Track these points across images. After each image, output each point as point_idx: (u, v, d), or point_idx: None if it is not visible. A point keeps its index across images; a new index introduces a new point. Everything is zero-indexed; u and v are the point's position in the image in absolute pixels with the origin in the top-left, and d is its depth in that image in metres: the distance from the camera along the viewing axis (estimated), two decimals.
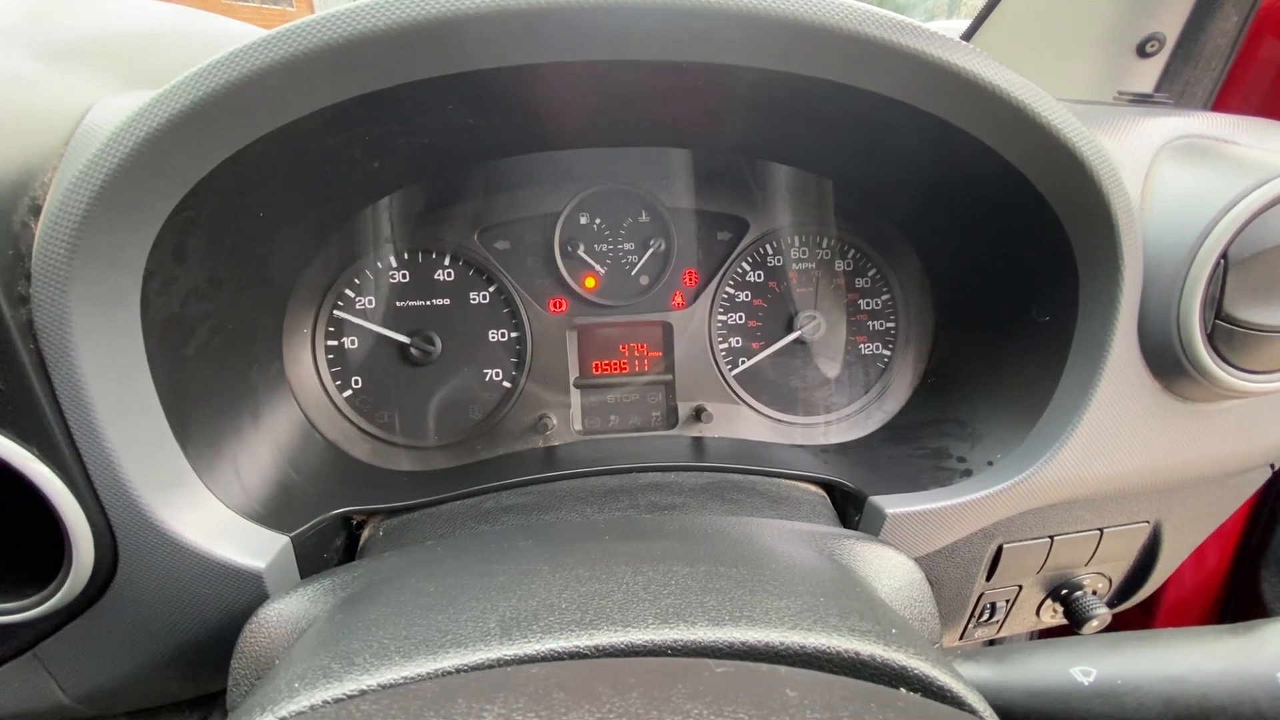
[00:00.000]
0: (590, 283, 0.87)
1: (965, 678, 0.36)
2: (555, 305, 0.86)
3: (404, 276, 0.83)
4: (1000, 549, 0.77)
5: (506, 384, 0.85)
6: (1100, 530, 0.78)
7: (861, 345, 0.90)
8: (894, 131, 0.62)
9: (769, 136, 0.75)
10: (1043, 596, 0.85)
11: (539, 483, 0.72)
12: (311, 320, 0.80)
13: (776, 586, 0.41)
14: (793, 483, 0.74)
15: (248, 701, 0.35)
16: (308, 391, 0.80)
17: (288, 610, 0.49)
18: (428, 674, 0.33)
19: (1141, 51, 1.03)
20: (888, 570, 0.54)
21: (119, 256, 0.49)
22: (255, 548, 0.56)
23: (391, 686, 0.32)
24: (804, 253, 0.89)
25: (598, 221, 0.87)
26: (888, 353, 0.90)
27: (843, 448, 0.87)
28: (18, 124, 0.51)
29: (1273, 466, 0.80)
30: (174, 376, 0.55)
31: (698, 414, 0.86)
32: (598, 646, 0.34)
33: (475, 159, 0.79)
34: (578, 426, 0.87)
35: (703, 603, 0.38)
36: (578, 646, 0.34)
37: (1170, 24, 1.00)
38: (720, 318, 0.89)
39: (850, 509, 0.71)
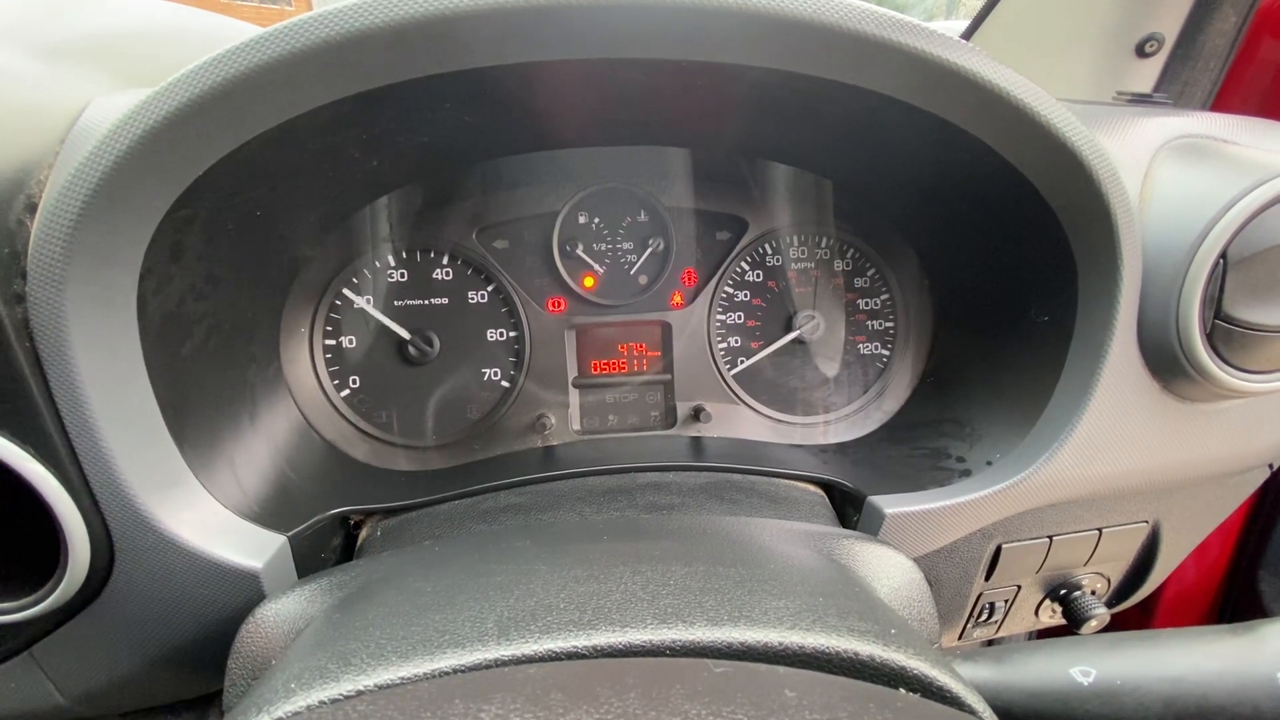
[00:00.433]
0: (589, 282, 0.87)
1: (964, 678, 0.36)
2: (554, 305, 0.86)
3: (402, 276, 0.83)
4: (999, 549, 0.77)
5: (505, 383, 0.85)
6: (1099, 530, 0.78)
7: (860, 345, 0.90)
8: (893, 131, 0.62)
9: (768, 136, 0.75)
10: (1041, 596, 0.85)
11: (537, 482, 0.72)
12: (309, 319, 0.80)
13: (775, 586, 0.41)
14: (791, 483, 0.74)
15: (244, 702, 0.35)
16: (305, 391, 0.80)
17: (285, 610, 0.49)
18: (425, 674, 0.33)
19: (1140, 51, 1.03)
20: (886, 570, 0.54)
21: (115, 255, 0.49)
22: (252, 547, 0.56)
23: (388, 687, 0.32)
24: (803, 252, 0.89)
25: (596, 221, 0.86)
26: (886, 352, 0.90)
27: (841, 447, 0.86)
28: (14, 121, 0.51)
29: (1271, 466, 0.80)
30: (171, 376, 0.55)
31: (696, 414, 0.86)
32: (596, 647, 0.34)
33: (474, 158, 0.79)
34: (576, 426, 0.87)
35: (701, 603, 0.38)
36: (576, 647, 0.34)
37: (1169, 24, 1.00)
38: (719, 317, 0.89)
39: (849, 509, 0.71)
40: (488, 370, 0.85)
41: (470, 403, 0.85)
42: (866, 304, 0.90)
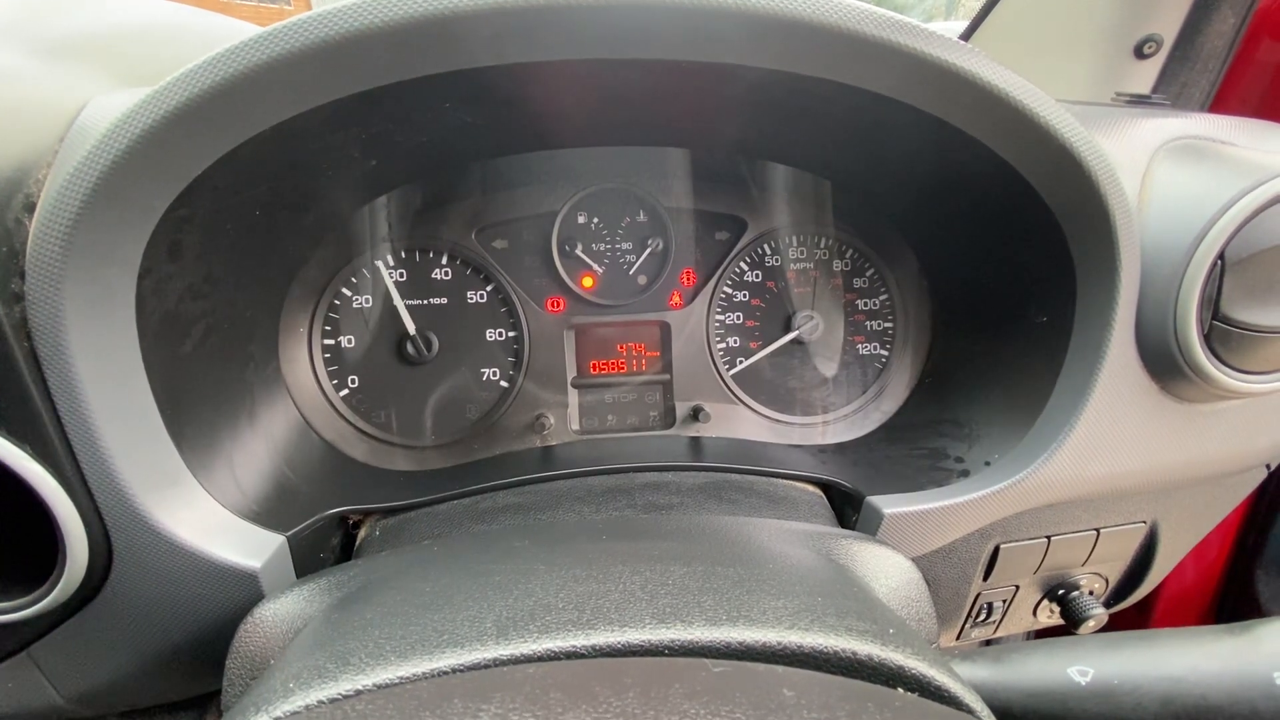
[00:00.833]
0: (588, 282, 0.87)
1: (962, 677, 0.36)
2: (553, 305, 0.86)
3: (401, 275, 0.82)
4: (997, 549, 0.77)
5: (504, 383, 0.85)
6: (1097, 530, 0.78)
7: (859, 345, 0.90)
8: (892, 132, 0.62)
9: (767, 136, 0.75)
10: (1039, 596, 0.85)
11: (536, 482, 0.72)
12: (308, 319, 0.80)
13: (774, 586, 0.41)
14: (790, 483, 0.74)
15: (242, 701, 0.35)
16: (304, 391, 0.79)
17: (283, 610, 0.49)
18: (424, 674, 0.33)
19: (1139, 53, 1.03)
20: (885, 570, 0.54)
21: (114, 254, 0.48)
22: (251, 547, 0.56)
23: (387, 686, 0.32)
24: (802, 253, 0.89)
25: (595, 221, 0.86)
26: (885, 353, 0.90)
27: (840, 448, 0.87)
28: (12, 120, 0.51)
29: (1269, 467, 0.81)
30: (169, 375, 0.55)
31: (695, 414, 0.86)
32: (595, 646, 0.34)
33: (473, 157, 0.79)
34: (575, 426, 0.87)
35: (700, 602, 0.38)
36: (575, 646, 0.34)
37: (1168, 25, 1.00)
38: (718, 317, 0.89)
39: (848, 509, 0.71)
40: (487, 370, 0.85)
41: (469, 402, 0.85)
42: (865, 304, 0.90)
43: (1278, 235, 0.58)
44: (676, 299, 0.88)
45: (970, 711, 0.34)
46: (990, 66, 0.51)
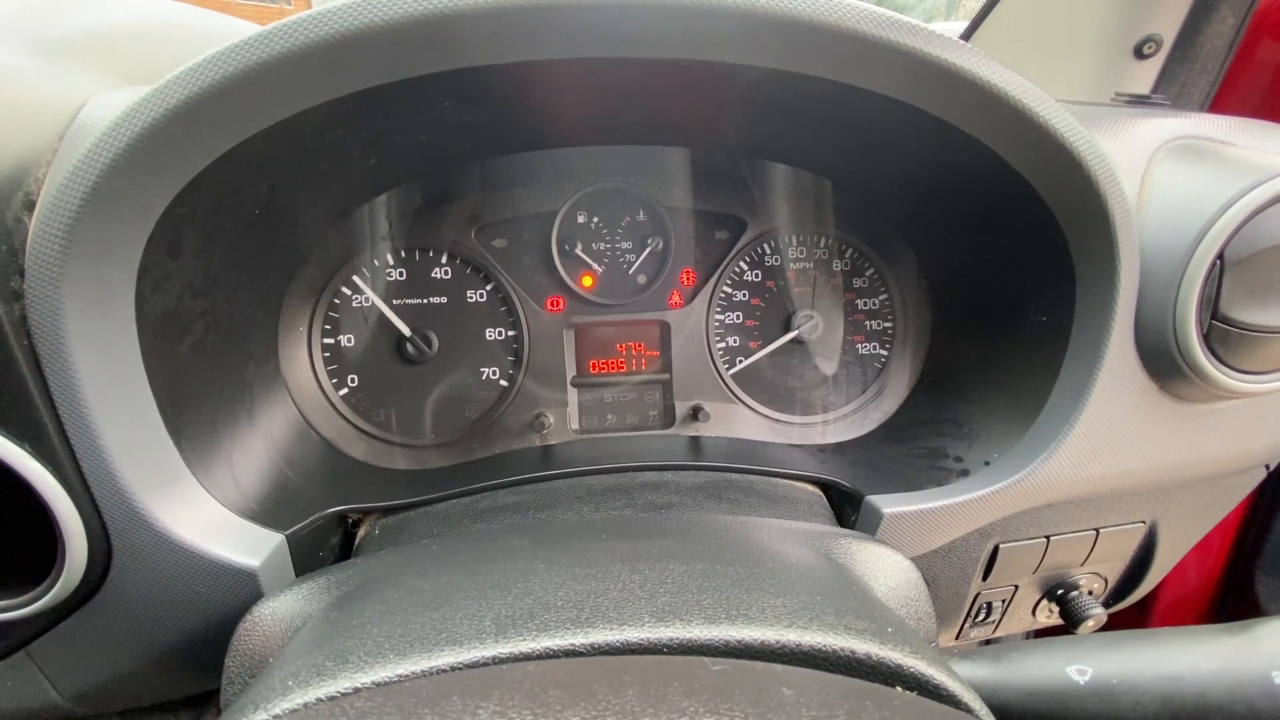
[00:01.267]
0: (588, 281, 0.87)
1: (961, 676, 0.36)
2: (552, 304, 0.86)
3: (401, 274, 0.82)
4: (996, 549, 0.77)
5: (503, 382, 0.85)
6: (1096, 530, 0.78)
7: (859, 345, 0.90)
8: (892, 131, 0.62)
9: (767, 136, 0.75)
10: (1039, 596, 0.85)
11: (535, 481, 0.72)
12: (308, 318, 0.80)
13: (773, 585, 0.41)
14: (790, 482, 0.74)
15: (241, 700, 0.35)
16: (303, 389, 0.79)
17: (282, 608, 0.49)
18: (422, 672, 0.33)
19: (1139, 53, 1.03)
20: (884, 569, 0.54)
21: (113, 252, 0.48)
22: (250, 546, 0.56)
23: (386, 684, 0.32)
24: (802, 252, 0.89)
25: (595, 220, 0.86)
26: (885, 352, 0.90)
27: (840, 447, 0.87)
28: (12, 119, 0.51)
29: (1268, 467, 0.81)
30: (169, 373, 0.55)
31: (695, 413, 0.86)
32: (593, 645, 0.34)
33: (472, 156, 0.79)
34: (575, 425, 0.87)
35: (699, 601, 0.38)
36: (573, 644, 0.34)
37: (1167, 26, 1.00)
38: (718, 317, 0.89)
39: (847, 508, 0.71)
40: (486, 369, 0.85)
41: (469, 402, 0.85)
42: (865, 304, 0.90)
43: (1277, 235, 0.58)
44: (676, 298, 0.88)
45: (969, 710, 0.34)
46: (990, 66, 0.51)
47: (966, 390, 0.80)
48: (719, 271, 0.88)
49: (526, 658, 0.34)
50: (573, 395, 0.87)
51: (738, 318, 0.89)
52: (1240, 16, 0.97)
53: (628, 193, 0.86)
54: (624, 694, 0.27)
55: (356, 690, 0.32)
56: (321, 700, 0.32)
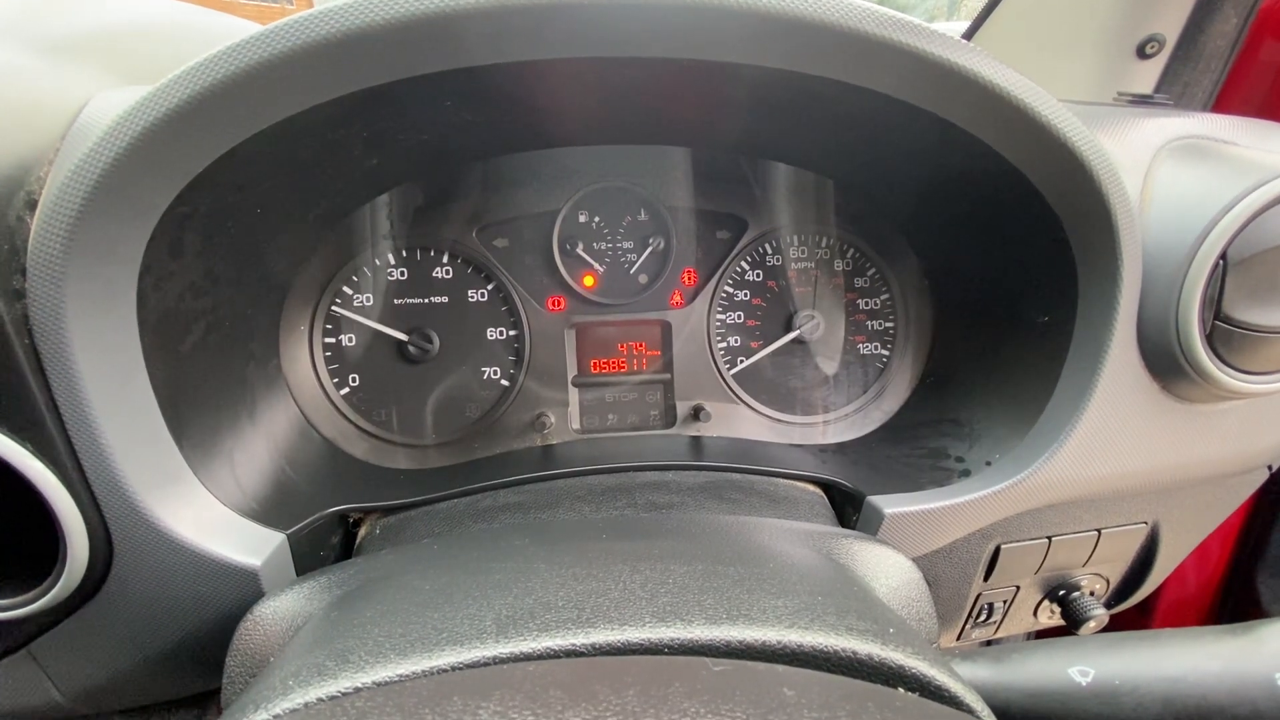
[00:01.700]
0: (589, 281, 0.86)
1: (963, 677, 0.36)
2: (554, 303, 0.86)
3: (402, 274, 0.82)
4: (998, 549, 0.76)
5: (504, 382, 0.85)
6: (1098, 531, 0.78)
7: (860, 345, 0.90)
8: (894, 131, 0.62)
9: (769, 135, 0.75)
10: (1040, 597, 0.85)
11: (536, 481, 0.72)
12: (309, 317, 0.80)
13: (774, 585, 0.41)
14: (791, 482, 0.74)
15: (242, 699, 0.35)
16: (305, 389, 0.79)
17: (283, 608, 0.49)
18: (423, 671, 0.33)
19: (1141, 53, 1.03)
20: (885, 570, 0.54)
21: (115, 251, 0.48)
22: (251, 545, 0.56)
23: (386, 684, 0.32)
24: (803, 252, 0.89)
25: (597, 220, 0.86)
26: (886, 352, 0.90)
27: (841, 447, 0.86)
28: (14, 118, 0.51)
29: (1271, 468, 0.80)
30: (170, 373, 0.55)
31: (696, 413, 0.86)
32: (594, 645, 0.34)
33: (474, 156, 0.79)
34: (576, 425, 0.87)
35: (700, 601, 0.38)
36: (574, 645, 0.34)
37: (1170, 25, 1.00)
38: (719, 317, 0.89)
39: (848, 509, 0.71)
40: (487, 369, 0.85)
41: (470, 401, 0.85)
42: (866, 304, 0.90)
43: None
44: (677, 298, 0.88)
45: (971, 711, 0.34)
46: (992, 65, 0.51)
47: (968, 390, 0.79)
48: (720, 271, 0.88)
49: (527, 658, 0.34)
50: (574, 395, 0.87)
51: (739, 317, 0.89)
52: (1243, 16, 0.96)
53: (629, 192, 0.86)
54: (625, 694, 0.27)
55: (357, 690, 0.32)
56: (322, 700, 0.31)
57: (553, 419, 0.84)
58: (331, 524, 0.67)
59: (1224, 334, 0.59)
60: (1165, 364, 0.62)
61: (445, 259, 0.83)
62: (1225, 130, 0.67)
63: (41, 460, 0.49)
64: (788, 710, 0.27)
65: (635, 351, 0.88)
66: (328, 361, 0.81)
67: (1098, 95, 1.07)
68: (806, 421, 0.89)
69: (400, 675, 0.33)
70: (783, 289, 0.89)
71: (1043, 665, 0.43)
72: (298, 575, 0.59)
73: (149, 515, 0.51)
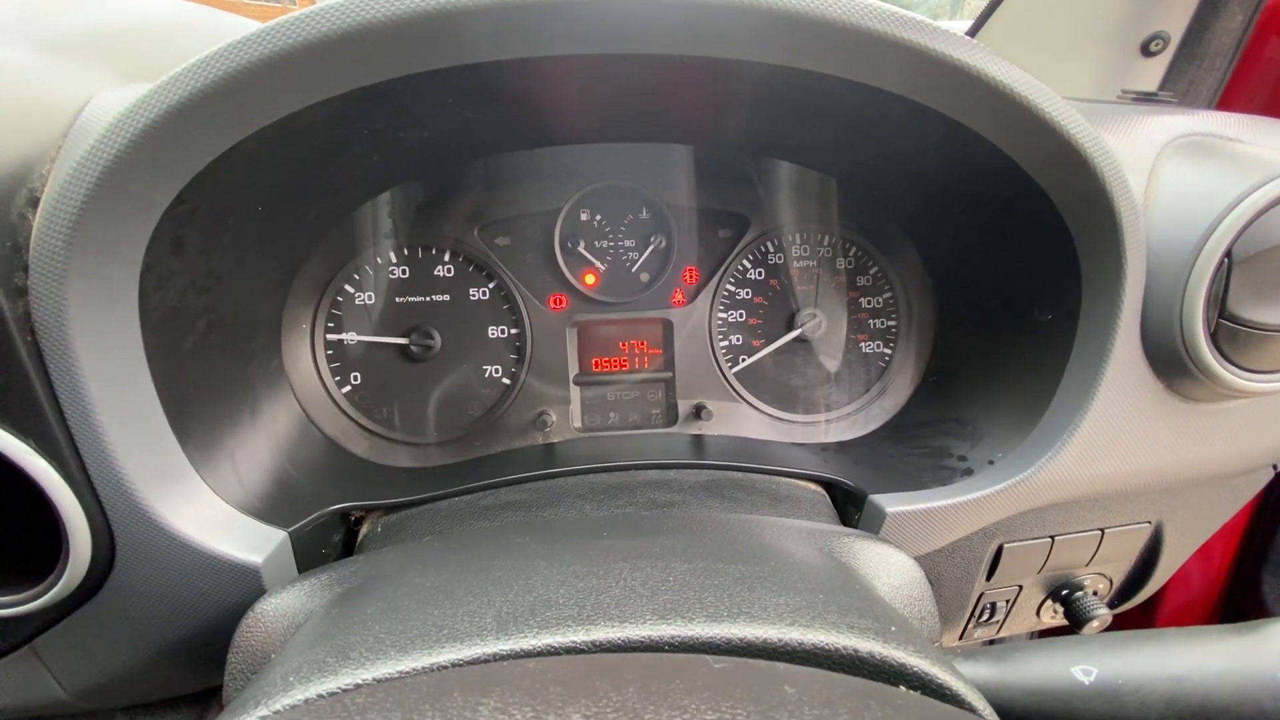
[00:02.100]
0: (590, 279, 0.86)
1: (965, 676, 0.35)
2: (555, 302, 0.86)
3: (403, 272, 0.82)
4: (1001, 548, 0.76)
5: (506, 380, 0.85)
6: (1101, 530, 0.78)
7: (862, 343, 0.90)
8: (897, 129, 0.62)
9: (772, 133, 0.75)
10: (1043, 597, 0.84)
11: (538, 479, 0.72)
12: (311, 315, 0.80)
13: (775, 583, 0.40)
14: (793, 481, 0.74)
15: (244, 695, 0.35)
16: (306, 387, 0.80)
17: (285, 605, 0.49)
18: (423, 668, 0.33)
19: (1146, 50, 1.02)
20: (887, 569, 0.54)
21: (116, 249, 0.49)
22: (253, 543, 0.56)
23: (387, 680, 0.32)
24: (805, 250, 0.89)
25: (598, 218, 0.86)
26: (889, 351, 0.90)
27: (843, 446, 0.86)
28: (16, 116, 0.51)
29: (1275, 467, 0.80)
30: (172, 371, 0.55)
31: (697, 411, 0.86)
32: (595, 642, 0.34)
33: (475, 154, 0.79)
34: (577, 423, 0.87)
35: (701, 599, 0.38)
36: (574, 642, 0.34)
37: (1175, 23, 1.00)
38: (721, 315, 0.89)
39: (850, 507, 0.71)
40: (489, 367, 0.85)
41: (471, 399, 0.85)
42: (869, 302, 0.90)
43: None
44: (679, 296, 0.88)
45: (973, 710, 0.34)
46: (996, 62, 0.51)
47: (971, 389, 0.79)
48: (722, 269, 0.88)
49: (528, 654, 0.34)
50: (575, 393, 0.87)
51: (741, 316, 0.89)
52: (1248, 13, 0.96)
53: (631, 190, 0.86)
54: (625, 691, 0.27)
55: (358, 686, 0.32)
56: (323, 696, 0.32)
57: (554, 417, 0.84)
58: (333, 522, 0.67)
59: (1229, 332, 0.59)
60: (1169, 362, 0.62)
61: (447, 257, 0.83)
62: (1230, 128, 0.67)
63: (44, 457, 0.49)
64: (789, 707, 0.26)
65: (637, 350, 0.88)
66: (329, 360, 0.81)
67: (1102, 93, 1.07)
68: (808, 420, 0.89)
69: (401, 672, 0.33)
70: (785, 287, 0.89)
71: (1045, 664, 0.43)
72: (299, 572, 0.59)
73: (151, 512, 0.52)
